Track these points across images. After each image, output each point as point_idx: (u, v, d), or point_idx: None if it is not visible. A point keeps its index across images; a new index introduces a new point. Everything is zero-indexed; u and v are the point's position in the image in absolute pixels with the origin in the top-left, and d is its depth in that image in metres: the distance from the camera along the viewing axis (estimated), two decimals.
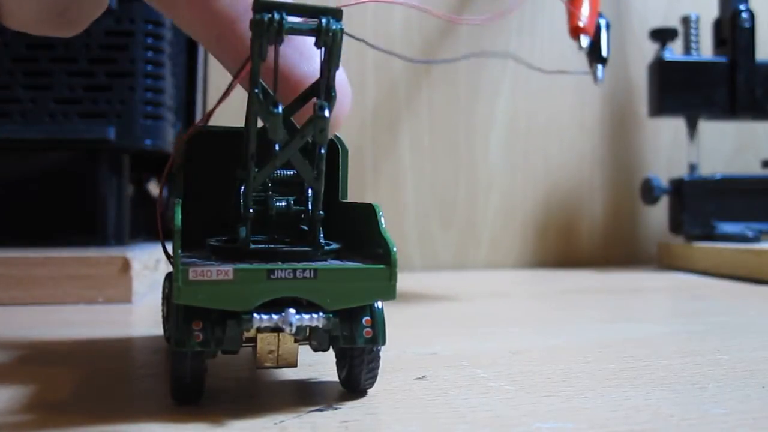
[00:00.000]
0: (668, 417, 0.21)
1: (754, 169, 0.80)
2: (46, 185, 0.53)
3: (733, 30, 0.71)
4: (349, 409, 0.22)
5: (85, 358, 0.30)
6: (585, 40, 0.54)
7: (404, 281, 0.65)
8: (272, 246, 0.24)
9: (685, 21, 0.73)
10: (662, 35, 0.72)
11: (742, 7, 0.71)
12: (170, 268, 0.24)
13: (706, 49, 0.75)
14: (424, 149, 0.75)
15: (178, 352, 0.21)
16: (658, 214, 0.80)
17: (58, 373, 0.27)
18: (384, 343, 0.23)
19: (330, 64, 0.22)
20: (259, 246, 0.23)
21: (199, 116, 0.70)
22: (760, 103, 0.71)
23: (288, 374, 0.27)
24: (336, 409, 0.22)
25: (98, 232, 0.53)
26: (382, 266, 0.22)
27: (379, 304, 0.23)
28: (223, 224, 0.25)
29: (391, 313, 0.44)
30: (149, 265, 0.51)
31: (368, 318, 0.23)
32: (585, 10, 0.55)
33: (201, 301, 0.21)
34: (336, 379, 0.25)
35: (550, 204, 0.79)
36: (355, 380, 0.24)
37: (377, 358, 0.24)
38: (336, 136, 0.27)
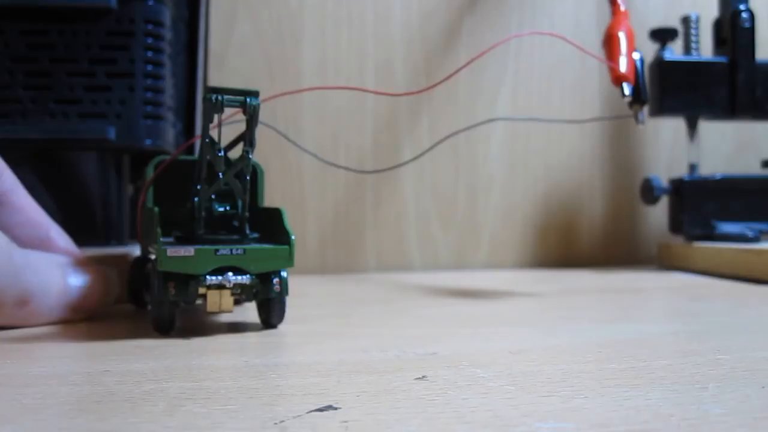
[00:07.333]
0: (668, 417, 0.21)
1: (754, 169, 0.80)
2: (45, 185, 0.53)
3: (733, 30, 0.71)
4: (349, 409, 0.22)
5: (85, 358, 0.30)
6: (627, 89, 0.54)
7: (404, 281, 0.64)
8: (216, 236, 0.35)
9: (685, 21, 0.73)
10: (662, 35, 0.72)
11: (742, 7, 0.71)
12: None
13: (706, 49, 0.75)
14: (424, 149, 0.75)
15: (160, 301, 0.33)
16: (658, 214, 0.80)
17: (57, 375, 0.27)
18: (287, 294, 0.35)
19: (252, 124, 0.33)
20: (208, 236, 0.35)
21: (199, 116, 0.70)
22: (760, 103, 0.71)
23: (288, 374, 0.27)
24: (336, 409, 0.22)
25: (98, 232, 0.53)
26: (285, 246, 0.34)
27: (284, 271, 0.35)
28: (179, 222, 0.36)
29: (392, 313, 0.44)
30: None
31: (277, 279, 0.35)
32: (624, 56, 0.54)
33: (175, 269, 0.32)
34: (334, 378, 0.25)
35: (550, 204, 0.79)
36: (270, 320, 0.36)
37: (284, 305, 0.36)
38: (256, 162, 0.38)
